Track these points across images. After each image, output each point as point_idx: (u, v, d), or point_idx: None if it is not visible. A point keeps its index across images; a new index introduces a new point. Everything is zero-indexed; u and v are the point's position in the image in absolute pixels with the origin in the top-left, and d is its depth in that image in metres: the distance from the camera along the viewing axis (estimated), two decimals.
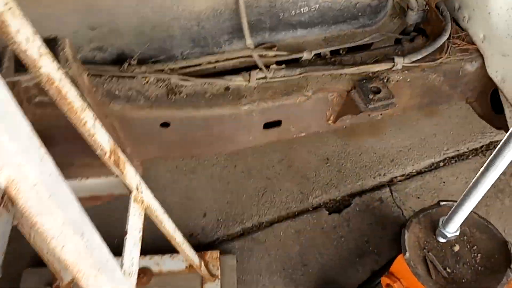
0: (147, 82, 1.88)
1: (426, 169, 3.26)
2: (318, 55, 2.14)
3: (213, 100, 1.95)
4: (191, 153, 2.38)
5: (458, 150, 3.37)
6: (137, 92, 1.84)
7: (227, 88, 2.00)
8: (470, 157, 3.34)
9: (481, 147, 3.40)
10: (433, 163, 3.29)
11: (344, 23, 2.16)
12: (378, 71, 2.07)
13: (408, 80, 2.10)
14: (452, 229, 2.02)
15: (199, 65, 2.01)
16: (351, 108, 2.06)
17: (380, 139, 3.40)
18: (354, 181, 3.17)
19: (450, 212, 1.96)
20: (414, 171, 3.25)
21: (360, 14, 2.14)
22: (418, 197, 3.07)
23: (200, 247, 2.83)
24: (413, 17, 2.15)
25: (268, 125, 2.10)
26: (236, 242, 2.85)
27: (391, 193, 3.09)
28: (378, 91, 1.99)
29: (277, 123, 2.12)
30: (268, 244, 2.86)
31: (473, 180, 1.79)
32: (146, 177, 3.08)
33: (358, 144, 3.37)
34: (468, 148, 3.38)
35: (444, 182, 3.15)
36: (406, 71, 2.09)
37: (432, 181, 3.17)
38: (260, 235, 2.89)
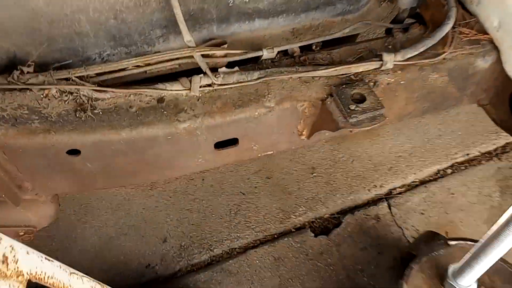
0: (47, 95, 1.40)
1: (431, 178, 2.77)
2: (284, 53, 1.64)
3: (141, 117, 1.47)
4: (120, 184, 1.90)
5: (468, 154, 2.86)
6: (30, 111, 1.36)
7: (160, 100, 1.52)
8: (483, 162, 2.84)
9: (495, 149, 2.89)
10: (439, 171, 2.81)
11: (317, 11, 1.66)
12: (362, 72, 1.58)
13: (402, 82, 1.60)
14: (466, 283, 1.53)
15: (123, 69, 1.51)
16: (327, 121, 1.56)
17: (375, 143, 2.90)
18: (345, 194, 2.69)
19: (464, 263, 1.47)
20: (416, 180, 2.77)
21: None
22: (422, 213, 2.59)
23: (159, 280, 2.37)
24: None
25: (221, 144, 1.61)
26: (202, 274, 2.39)
27: (390, 209, 2.61)
28: (362, 99, 1.49)
29: (233, 141, 1.62)
30: (241, 275, 2.40)
31: (494, 229, 1.30)
32: (93, 196, 2.63)
33: (350, 149, 2.87)
34: (480, 152, 2.88)
35: (452, 194, 2.66)
36: (399, 71, 1.59)
37: (439, 193, 2.68)
38: (231, 265, 2.43)
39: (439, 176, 2.77)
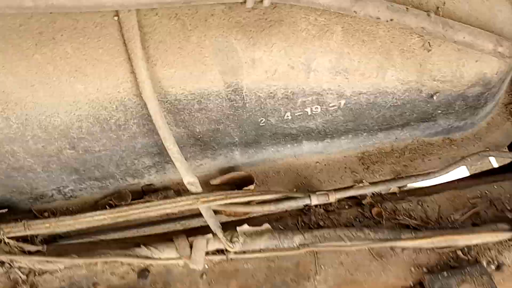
0: None
1: None
2: (349, 198, 1.02)
3: None
4: None
5: None
6: None
7: (143, 273, 0.98)
8: None
9: None
10: None
11: (404, 129, 1.03)
12: (477, 245, 0.92)
13: None
14: None
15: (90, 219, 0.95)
16: None
17: None
18: None
19: None
20: None
21: (440, 111, 0.99)
22: None
23: None
24: None
25: None
26: None
27: None
28: None
29: None
30: None
31: None
32: None
33: None
34: None
35: None
36: None
37: None
38: None
39: None
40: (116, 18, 0.75)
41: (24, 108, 0.80)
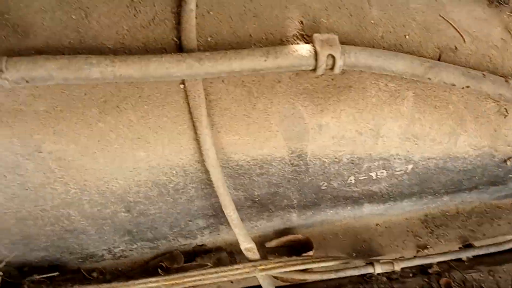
0: None
1: None
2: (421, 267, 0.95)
3: None
4: None
5: None
6: None
7: None
8: None
9: None
10: None
11: (472, 192, 0.96)
12: None
13: None
14: None
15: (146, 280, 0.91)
16: None
17: None
18: None
19: None
20: None
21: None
22: None
23: None
24: None
25: None
26: None
27: None
28: None
29: None
30: None
31: None
32: None
33: None
34: None
35: None
36: None
37: None
38: None
39: None
40: (182, 86, 0.72)
41: (83, 175, 0.77)
